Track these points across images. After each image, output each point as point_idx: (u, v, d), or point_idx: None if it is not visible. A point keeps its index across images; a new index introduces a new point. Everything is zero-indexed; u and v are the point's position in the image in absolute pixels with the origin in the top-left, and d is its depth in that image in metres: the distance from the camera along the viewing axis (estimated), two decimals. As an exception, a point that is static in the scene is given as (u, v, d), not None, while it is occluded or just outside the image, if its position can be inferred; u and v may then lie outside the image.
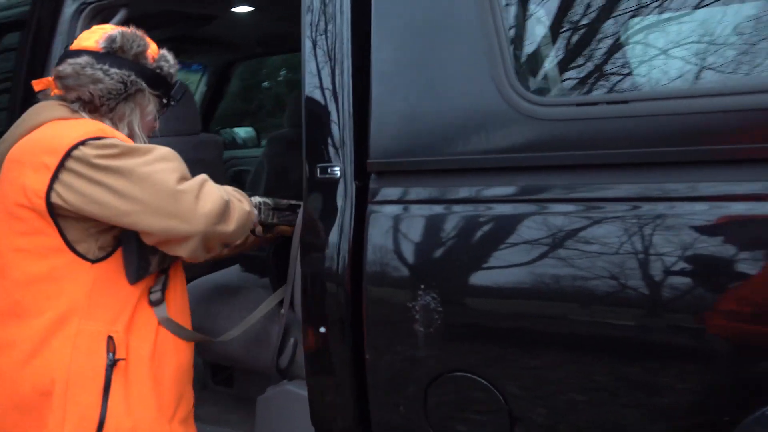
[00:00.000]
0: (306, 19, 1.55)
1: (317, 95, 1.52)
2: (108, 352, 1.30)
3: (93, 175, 1.28)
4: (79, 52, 1.43)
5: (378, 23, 1.43)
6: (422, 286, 1.35)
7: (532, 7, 1.34)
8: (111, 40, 1.43)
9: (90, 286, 1.32)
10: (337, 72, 1.51)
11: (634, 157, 1.17)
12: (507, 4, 1.33)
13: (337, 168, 1.48)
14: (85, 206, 1.28)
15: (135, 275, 1.36)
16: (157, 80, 1.50)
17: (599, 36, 1.28)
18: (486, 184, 1.31)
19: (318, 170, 1.51)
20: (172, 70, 1.54)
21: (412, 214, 1.39)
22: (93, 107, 1.43)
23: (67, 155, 1.28)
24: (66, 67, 1.41)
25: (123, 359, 1.31)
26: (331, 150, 1.50)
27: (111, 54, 1.43)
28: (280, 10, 2.91)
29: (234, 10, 2.87)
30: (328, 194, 1.49)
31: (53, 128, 1.35)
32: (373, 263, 1.41)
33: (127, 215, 1.27)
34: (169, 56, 1.54)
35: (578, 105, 1.23)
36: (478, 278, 1.30)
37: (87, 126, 1.36)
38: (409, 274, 1.37)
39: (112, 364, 1.30)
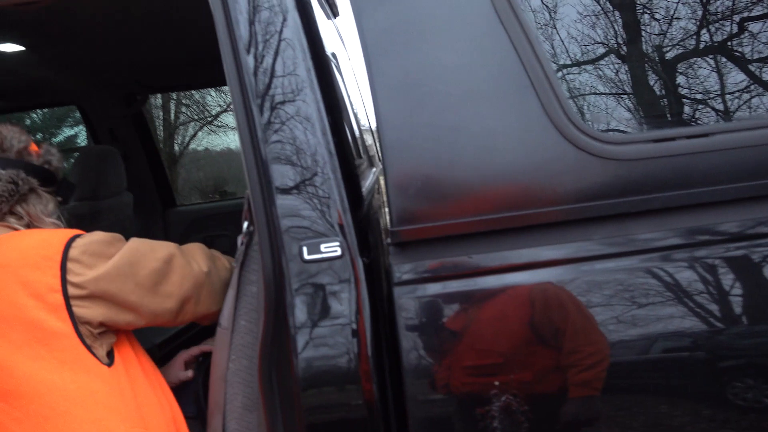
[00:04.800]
0: (245, 58, 1.12)
1: (285, 152, 1.09)
2: None
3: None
4: None
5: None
6: (497, 383, 1.02)
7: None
8: None
9: None
10: (307, 118, 1.11)
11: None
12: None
13: (337, 243, 1.06)
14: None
15: None
16: (48, 177, 1.34)
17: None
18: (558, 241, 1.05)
19: (305, 250, 1.06)
20: (60, 165, 1.38)
21: (463, 291, 1.05)
22: None
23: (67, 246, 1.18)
24: None
25: None
26: (321, 220, 1.07)
27: None
28: (62, 51, 2.26)
29: (-5, 48, 2.11)
30: (320, 282, 1.06)
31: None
32: (416, 371, 1.02)
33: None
34: (54, 150, 1.38)
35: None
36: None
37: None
38: (478, 370, 1.03)
39: None
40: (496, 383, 1.04)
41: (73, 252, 1.18)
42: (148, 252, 1.25)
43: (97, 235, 1.24)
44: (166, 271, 1.25)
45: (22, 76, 2.53)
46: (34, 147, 1.35)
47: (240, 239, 1.23)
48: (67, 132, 7.27)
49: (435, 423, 1.07)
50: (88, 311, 1.17)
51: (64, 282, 1.15)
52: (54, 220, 1.33)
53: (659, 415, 1.07)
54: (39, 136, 6.90)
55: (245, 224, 1.21)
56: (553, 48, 1.15)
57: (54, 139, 7.01)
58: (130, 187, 2.77)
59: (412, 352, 1.05)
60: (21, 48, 2.14)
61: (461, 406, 1.07)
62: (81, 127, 6.97)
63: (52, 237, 1.20)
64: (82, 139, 6.71)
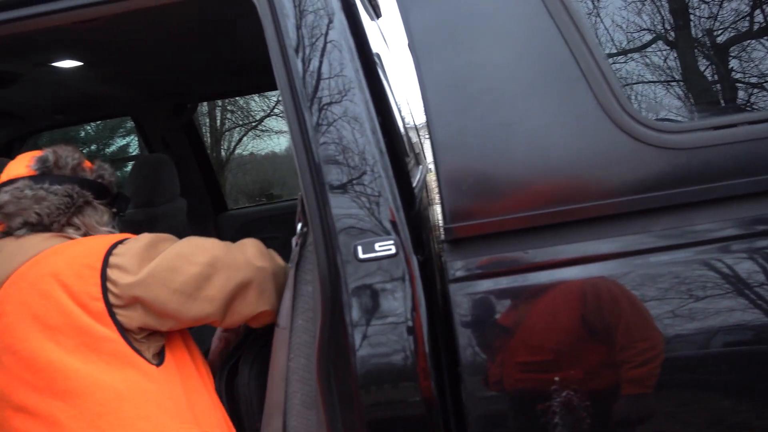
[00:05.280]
0: (294, 61, 1.14)
1: (337, 152, 1.11)
2: None
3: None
4: (12, 181, 1.35)
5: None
6: (557, 378, 1.01)
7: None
8: (43, 160, 1.38)
9: None
10: (355, 118, 1.12)
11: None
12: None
13: (391, 241, 1.07)
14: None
15: None
16: (101, 190, 1.43)
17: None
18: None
19: (360, 249, 1.07)
20: (112, 179, 1.47)
21: (521, 286, 1.04)
22: (43, 227, 1.32)
23: (108, 253, 1.23)
24: (2, 196, 1.32)
25: None
26: (374, 219, 1.08)
27: (47, 173, 1.36)
28: (117, 65, 2.34)
29: (55, 65, 2.21)
30: (376, 281, 1.07)
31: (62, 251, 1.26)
32: (473, 368, 1.02)
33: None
34: (106, 165, 1.47)
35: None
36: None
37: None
38: (536, 367, 1.02)
39: None
40: (556, 379, 1.03)
41: (114, 259, 1.22)
42: (190, 255, 1.24)
43: (142, 239, 1.27)
44: (209, 275, 1.23)
45: (80, 91, 2.64)
46: (87, 163, 1.44)
47: (294, 240, 1.25)
48: (119, 142, 7.55)
49: (493, 419, 1.07)
50: (127, 319, 1.20)
51: (104, 290, 1.20)
52: (109, 229, 1.41)
53: (722, 410, 1.04)
54: (93, 147, 7.16)
55: (299, 225, 1.24)
56: (603, 36, 1.13)
57: (107, 150, 7.28)
58: (182, 193, 2.86)
59: (468, 349, 1.05)
60: (79, 63, 2.23)
61: (518, 403, 1.07)
62: (132, 136, 7.22)
63: (96, 245, 1.26)
64: (134, 149, 6.94)
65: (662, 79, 1.15)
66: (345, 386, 1.08)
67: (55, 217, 1.33)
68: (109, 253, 1.23)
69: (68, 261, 1.22)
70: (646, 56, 1.15)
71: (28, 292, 1.21)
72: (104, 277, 1.20)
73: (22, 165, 1.38)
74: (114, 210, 1.44)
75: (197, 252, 1.25)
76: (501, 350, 1.06)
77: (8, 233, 1.32)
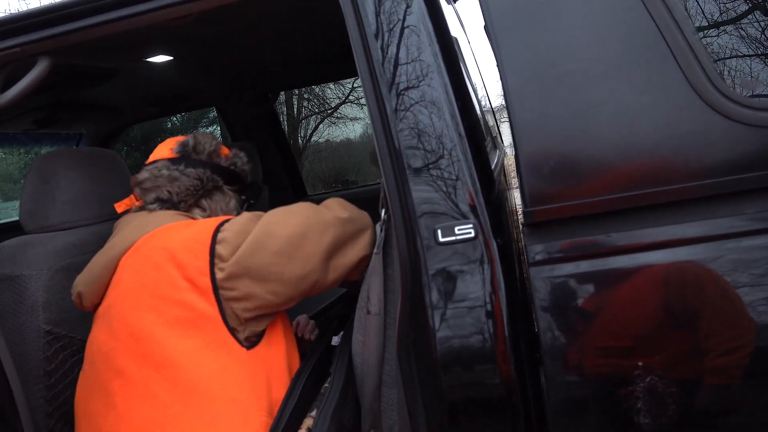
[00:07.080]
0: (374, 45, 1.16)
1: (417, 137, 1.13)
2: None
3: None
4: (155, 162, 1.48)
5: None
6: (640, 363, 0.99)
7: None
8: (183, 144, 1.50)
9: None
10: (434, 102, 1.13)
11: None
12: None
13: (471, 225, 1.08)
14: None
15: None
16: (232, 176, 1.52)
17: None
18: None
19: (439, 233, 1.09)
20: (246, 167, 1.56)
21: (602, 271, 1.03)
22: (172, 204, 1.44)
23: (216, 231, 1.30)
24: (144, 173, 1.47)
25: None
26: (454, 203, 1.10)
27: (185, 156, 1.48)
28: (205, 58, 2.45)
29: (149, 60, 2.34)
30: (456, 264, 1.09)
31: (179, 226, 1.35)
32: (553, 352, 1.02)
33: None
34: (242, 154, 1.57)
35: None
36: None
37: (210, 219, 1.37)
38: (618, 352, 1.01)
39: None
40: (638, 365, 1.02)
41: (220, 235, 1.28)
42: (282, 220, 1.30)
43: (243, 216, 1.34)
44: (303, 233, 1.27)
45: (170, 84, 2.78)
46: (224, 150, 1.54)
47: (379, 226, 1.28)
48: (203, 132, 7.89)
49: (572, 404, 1.07)
50: (232, 293, 1.24)
51: (212, 265, 1.25)
52: (233, 215, 1.47)
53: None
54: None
55: (382, 212, 1.26)
56: (692, 8, 1.08)
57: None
58: (264, 179, 2.97)
59: (548, 333, 1.05)
60: (170, 58, 2.36)
61: (598, 389, 1.05)
62: (214, 126, 7.54)
63: (207, 224, 1.32)
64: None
65: (755, 54, 1.09)
66: (426, 368, 1.10)
67: (183, 196, 1.44)
68: (216, 230, 1.29)
69: (181, 237, 1.30)
70: (738, 29, 1.09)
71: (142, 263, 1.30)
72: (212, 253, 1.26)
73: (167, 148, 1.51)
74: (243, 197, 1.54)
75: (288, 216, 1.32)
76: (582, 335, 1.05)
77: (143, 208, 1.44)
